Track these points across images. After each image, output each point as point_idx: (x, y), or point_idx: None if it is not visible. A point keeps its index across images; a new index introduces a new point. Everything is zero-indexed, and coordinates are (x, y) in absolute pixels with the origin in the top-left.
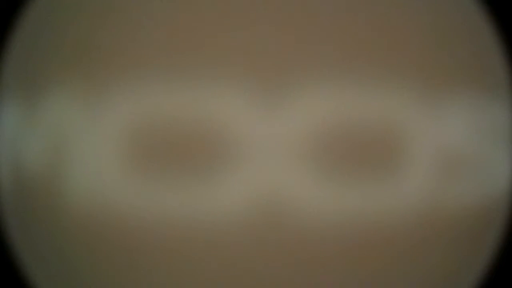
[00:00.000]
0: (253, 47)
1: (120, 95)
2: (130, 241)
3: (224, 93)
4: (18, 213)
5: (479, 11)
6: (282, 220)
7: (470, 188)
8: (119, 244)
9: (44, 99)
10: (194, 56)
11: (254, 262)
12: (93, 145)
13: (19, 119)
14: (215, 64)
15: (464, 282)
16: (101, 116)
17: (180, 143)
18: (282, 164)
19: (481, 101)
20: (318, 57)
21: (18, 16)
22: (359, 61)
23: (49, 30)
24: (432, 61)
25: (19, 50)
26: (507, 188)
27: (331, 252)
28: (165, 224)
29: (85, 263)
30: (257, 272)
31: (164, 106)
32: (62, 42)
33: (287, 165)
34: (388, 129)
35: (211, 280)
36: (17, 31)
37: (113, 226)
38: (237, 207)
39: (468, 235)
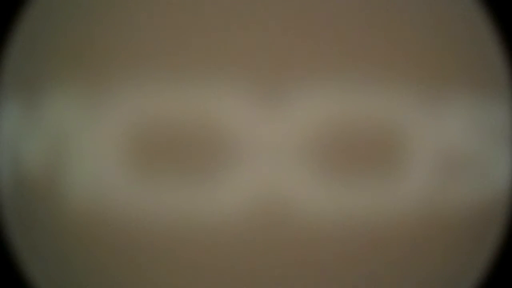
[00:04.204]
0: (253, 47)
1: (120, 95)
2: (130, 241)
3: (224, 93)
4: (18, 213)
5: (479, 11)
6: (283, 220)
7: (470, 188)
8: (119, 244)
9: (44, 99)
10: (194, 56)
11: (255, 262)
12: (93, 145)
13: (19, 119)
14: (216, 64)
15: (464, 281)
16: (101, 116)
17: (180, 143)
18: (283, 164)
19: (481, 101)
20: (318, 57)
21: (18, 16)
22: (359, 61)
23: (49, 30)
24: (432, 61)
25: (19, 50)
26: (507, 188)
27: (331, 252)
28: (165, 224)
29: (85, 263)
30: (257, 272)
31: (164, 106)
32: (62, 42)
33: (288, 165)
34: (389, 129)
35: (211, 280)
36: (17, 31)
37: (113, 226)
38: (238, 207)
39: (468, 235)
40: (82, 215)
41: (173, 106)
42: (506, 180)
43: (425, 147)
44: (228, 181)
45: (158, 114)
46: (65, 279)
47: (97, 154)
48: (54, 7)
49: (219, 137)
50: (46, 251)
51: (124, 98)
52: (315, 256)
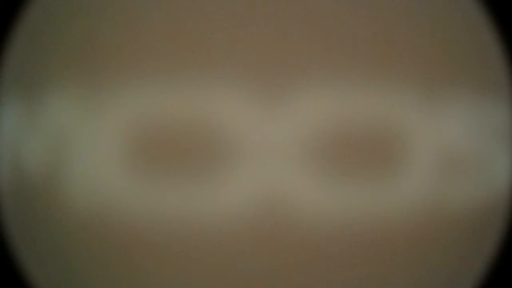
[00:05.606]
0: (253, 47)
1: (120, 94)
2: (131, 240)
3: (224, 93)
4: (18, 213)
5: (479, 11)
6: (283, 220)
7: (470, 188)
8: (119, 243)
9: (44, 99)
10: (194, 56)
11: (255, 261)
12: (93, 144)
13: (19, 119)
14: (216, 64)
15: (464, 282)
16: (101, 116)
17: (181, 143)
18: (283, 164)
19: (481, 101)
20: (318, 57)
21: (18, 16)
22: (359, 61)
23: (49, 30)
24: (432, 61)
25: (19, 50)
26: (507, 188)
27: (331, 252)
28: (165, 224)
29: (85, 263)
30: (257, 272)
31: (165, 106)
32: (62, 42)
33: (288, 165)
34: (389, 129)
35: (212, 280)
36: (17, 31)
37: (113, 226)
38: (238, 207)
39: (468, 234)
40: (82, 214)
41: (173, 106)
42: (506, 180)
43: (425, 147)
44: (228, 181)
45: (158, 114)
46: (65, 278)
47: (97, 154)
48: (54, 7)
49: (219, 137)
50: (46, 251)
51: (124, 98)
52: (316, 256)
